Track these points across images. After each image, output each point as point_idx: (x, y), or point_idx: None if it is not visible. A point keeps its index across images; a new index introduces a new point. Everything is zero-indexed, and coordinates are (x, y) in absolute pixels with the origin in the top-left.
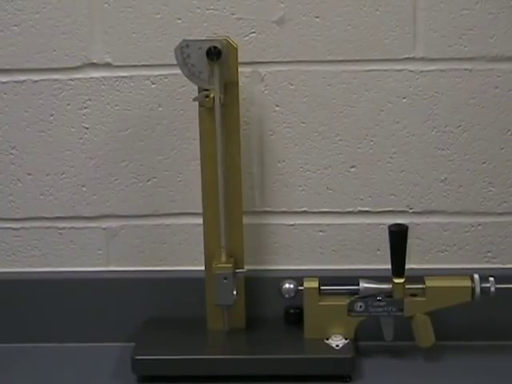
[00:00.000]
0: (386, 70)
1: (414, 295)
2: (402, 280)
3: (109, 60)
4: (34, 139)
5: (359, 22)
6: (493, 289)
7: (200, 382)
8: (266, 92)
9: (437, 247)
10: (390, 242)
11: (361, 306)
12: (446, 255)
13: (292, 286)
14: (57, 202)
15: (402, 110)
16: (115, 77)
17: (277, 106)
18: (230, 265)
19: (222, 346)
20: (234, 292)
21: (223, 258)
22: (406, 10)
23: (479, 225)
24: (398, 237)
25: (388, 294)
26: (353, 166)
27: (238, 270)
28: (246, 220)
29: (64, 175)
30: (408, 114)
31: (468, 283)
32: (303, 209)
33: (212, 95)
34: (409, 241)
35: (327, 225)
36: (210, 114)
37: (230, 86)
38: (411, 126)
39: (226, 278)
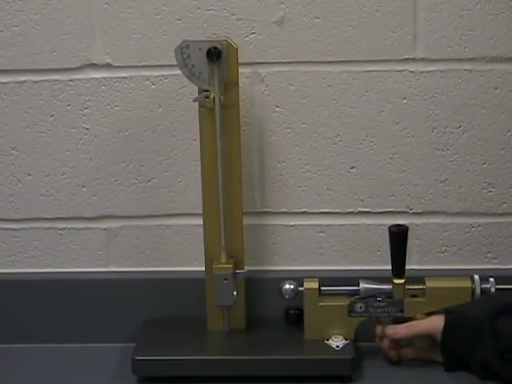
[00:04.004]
0: (386, 71)
1: (415, 296)
2: (402, 281)
3: (109, 61)
4: (35, 140)
5: (359, 22)
6: (493, 289)
7: (200, 383)
8: (266, 93)
9: (437, 248)
10: (390, 243)
11: (361, 307)
12: (446, 256)
13: (292, 286)
14: (57, 203)
15: (402, 110)
16: (115, 77)
17: (277, 106)
18: (230, 265)
19: (222, 346)
20: (235, 293)
21: (223, 259)
22: (407, 10)
23: (479, 225)
24: (398, 237)
25: (388, 295)
26: (353, 167)
27: (238, 271)
28: (246, 221)
29: (64, 176)
30: (408, 114)
31: (468, 284)
32: (303, 209)
33: (212, 96)
34: (409, 241)
35: (327, 225)
36: (210, 114)
37: (230, 87)
38: (411, 126)
39: (226, 279)
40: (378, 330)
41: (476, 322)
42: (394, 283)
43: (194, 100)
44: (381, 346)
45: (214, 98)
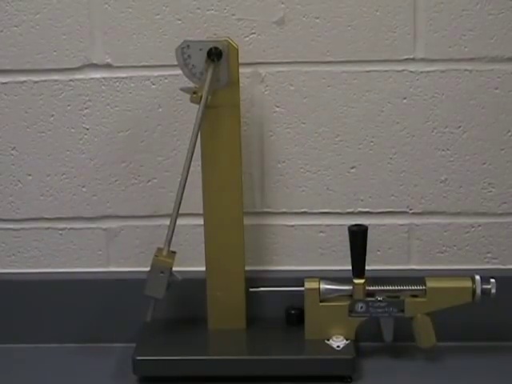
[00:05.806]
0: (386, 71)
1: (415, 296)
2: (362, 281)
3: (109, 61)
4: (35, 140)
5: (359, 22)
6: (493, 290)
7: (201, 383)
8: (266, 93)
9: (437, 248)
10: (350, 243)
11: (362, 307)
12: (446, 256)
13: None
14: (57, 203)
15: (402, 110)
16: (115, 77)
17: (277, 106)
18: (170, 260)
19: (222, 346)
20: (165, 288)
21: (165, 252)
22: (407, 10)
23: (479, 225)
24: (358, 237)
25: (389, 295)
26: (353, 167)
27: (176, 269)
28: (246, 221)
29: (64, 176)
30: (408, 114)
31: (469, 284)
32: (303, 209)
33: (200, 94)
34: (409, 241)
35: (327, 225)
36: (210, 114)
37: (230, 87)
38: (411, 126)
39: (162, 272)
40: None
41: None
42: (354, 283)
43: (181, 89)
44: None
45: (201, 96)
